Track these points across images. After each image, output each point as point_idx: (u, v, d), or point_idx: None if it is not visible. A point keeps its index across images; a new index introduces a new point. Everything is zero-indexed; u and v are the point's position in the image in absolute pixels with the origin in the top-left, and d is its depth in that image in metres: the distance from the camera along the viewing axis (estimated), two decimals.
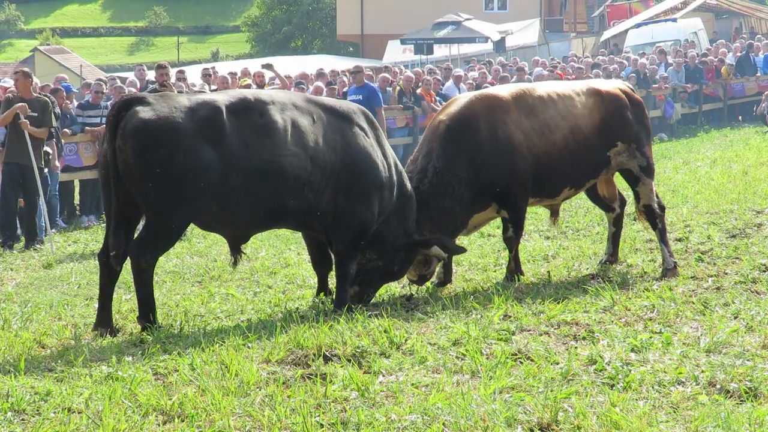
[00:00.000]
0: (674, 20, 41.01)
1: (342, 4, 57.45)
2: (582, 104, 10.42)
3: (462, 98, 10.15)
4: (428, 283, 10.27)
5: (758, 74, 30.96)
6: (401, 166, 9.61)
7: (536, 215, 13.95)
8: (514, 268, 10.28)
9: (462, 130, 9.77)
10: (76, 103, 18.91)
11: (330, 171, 8.91)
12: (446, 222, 9.74)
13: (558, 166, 10.15)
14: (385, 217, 9.32)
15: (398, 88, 23.41)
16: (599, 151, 10.47)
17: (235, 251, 9.07)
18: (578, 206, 14.79)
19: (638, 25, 41.00)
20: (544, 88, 10.50)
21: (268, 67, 21.68)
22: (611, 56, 32.84)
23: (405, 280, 10.04)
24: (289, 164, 8.62)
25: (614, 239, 10.97)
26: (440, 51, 38.84)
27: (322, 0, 68.78)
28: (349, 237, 9.13)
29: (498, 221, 10.65)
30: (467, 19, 38.33)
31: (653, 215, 10.72)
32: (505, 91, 10.32)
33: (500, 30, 38.51)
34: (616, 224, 10.98)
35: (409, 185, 9.53)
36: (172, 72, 18.01)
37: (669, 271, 10.25)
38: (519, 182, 9.90)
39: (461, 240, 10.97)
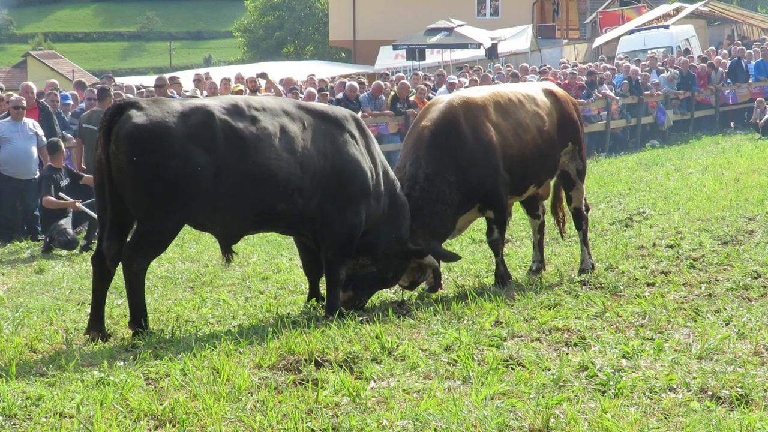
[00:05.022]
0: (666, 27, 41.04)
1: (334, 9, 57.38)
2: (543, 104, 10.71)
3: (441, 103, 10.18)
4: (419, 288, 10.28)
5: (750, 81, 30.95)
6: (393, 174, 9.62)
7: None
8: (503, 272, 10.34)
9: (447, 135, 9.84)
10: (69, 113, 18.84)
11: (319, 177, 8.92)
12: (438, 226, 9.78)
13: (528, 165, 10.36)
14: (376, 224, 9.33)
15: (392, 94, 23.41)
16: (557, 151, 10.76)
17: (226, 251, 9.06)
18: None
19: (630, 32, 41.00)
20: (510, 90, 10.75)
21: (263, 76, 21.67)
22: (601, 63, 32.74)
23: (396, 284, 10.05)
24: (279, 169, 8.63)
25: (540, 246, 11.20)
26: (432, 57, 38.80)
27: (314, 5, 68.77)
28: (337, 242, 9.14)
29: (483, 226, 10.69)
30: (459, 25, 38.31)
31: (580, 218, 11.19)
32: (479, 93, 10.47)
33: (492, 36, 38.46)
34: (540, 231, 11.22)
35: (402, 193, 9.53)
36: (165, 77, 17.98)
37: (585, 271, 10.72)
38: (502, 181, 10.03)
39: (454, 246, 10.95)
